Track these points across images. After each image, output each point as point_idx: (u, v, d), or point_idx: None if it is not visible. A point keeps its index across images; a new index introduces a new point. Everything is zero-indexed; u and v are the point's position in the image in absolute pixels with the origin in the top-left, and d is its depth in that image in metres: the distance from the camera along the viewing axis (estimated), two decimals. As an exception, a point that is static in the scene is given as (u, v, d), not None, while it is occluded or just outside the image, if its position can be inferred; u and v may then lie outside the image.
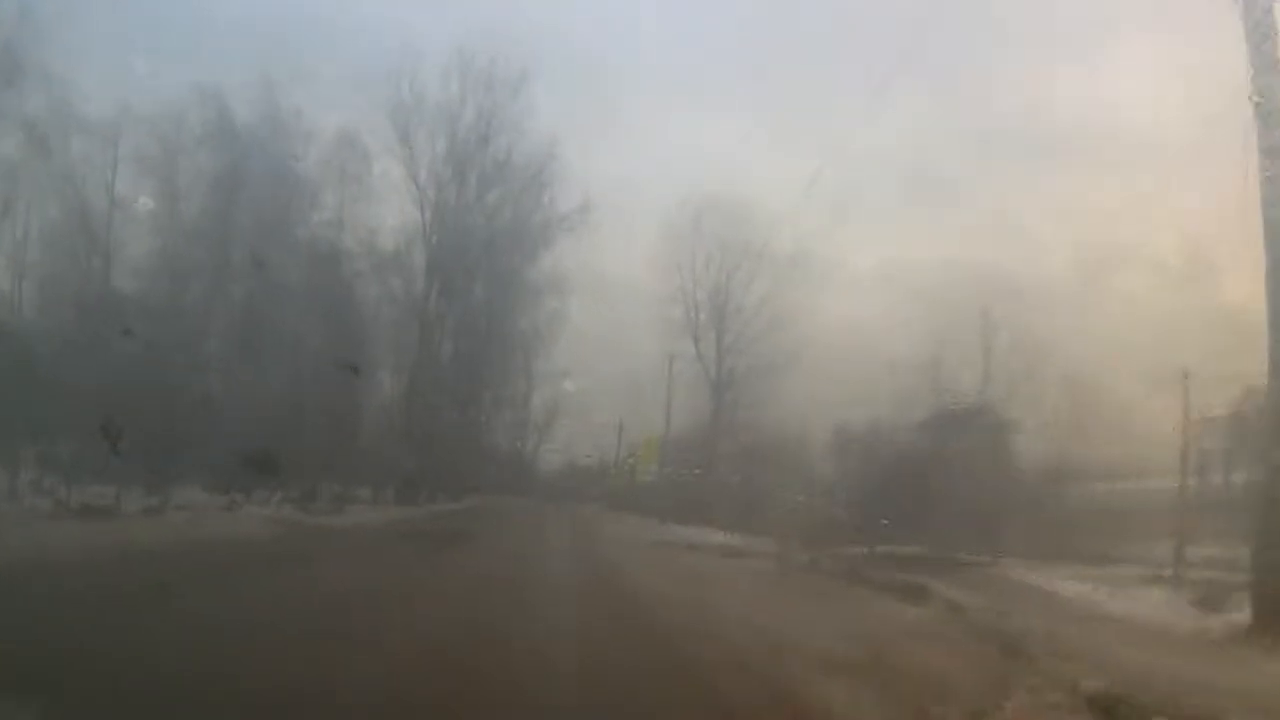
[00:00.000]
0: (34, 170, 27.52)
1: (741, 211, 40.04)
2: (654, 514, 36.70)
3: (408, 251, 38.38)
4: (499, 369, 44.32)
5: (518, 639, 9.03)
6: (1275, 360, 11.81)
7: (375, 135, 36.52)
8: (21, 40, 24.50)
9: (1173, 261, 25.49)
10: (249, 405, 26.47)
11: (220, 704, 5.66)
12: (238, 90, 31.61)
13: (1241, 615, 11.68)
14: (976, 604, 12.76)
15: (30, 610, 8.11)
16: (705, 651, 8.96)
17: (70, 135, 28.77)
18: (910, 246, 47.67)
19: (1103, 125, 40.02)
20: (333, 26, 47.67)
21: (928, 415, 19.95)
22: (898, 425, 21.47)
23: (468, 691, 6.56)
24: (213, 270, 30.25)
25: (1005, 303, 26.21)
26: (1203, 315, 21.02)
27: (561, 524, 33.23)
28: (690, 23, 60.43)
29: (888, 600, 14.03)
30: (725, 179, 62.14)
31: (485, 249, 39.55)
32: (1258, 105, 11.69)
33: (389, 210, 37.51)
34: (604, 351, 43.20)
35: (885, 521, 18.91)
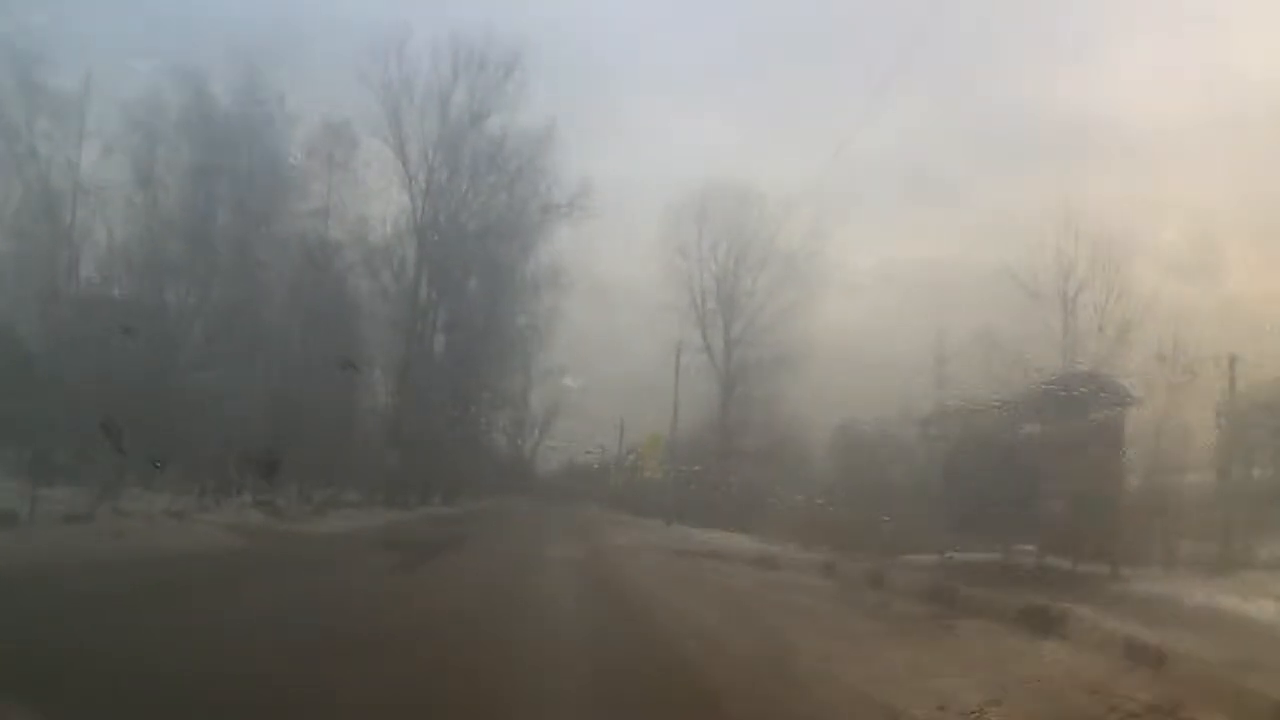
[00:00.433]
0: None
1: (749, 197, 38.33)
2: (659, 515, 34.64)
3: (398, 241, 36.40)
4: (496, 365, 41.98)
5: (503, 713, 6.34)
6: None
7: (363, 117, 34.50)
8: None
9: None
10: (228, 405, 24.63)
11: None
12: (218, 71, 29.91)
13: None
14: (1178, 646, 8.25)
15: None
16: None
17: (36, 117, 27.40)
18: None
19: (1102, 125, 38.76)
20: (317, 3, 45.71)
21: (1011, 395, 17.03)
22: (959, 411, 18.73)
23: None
24: (189, 262, 28.35)
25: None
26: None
27: (563, 529, 30.94)
28: (690, 23, 59.35)
29: (1022, 636, 9.90)
30: (725, 178, 60.42)
31: (480, 239, 37.44)
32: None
33: (376, 197, 35.41)
34: (605, 348, 41.36)
35: (956, 523, 16.03)
